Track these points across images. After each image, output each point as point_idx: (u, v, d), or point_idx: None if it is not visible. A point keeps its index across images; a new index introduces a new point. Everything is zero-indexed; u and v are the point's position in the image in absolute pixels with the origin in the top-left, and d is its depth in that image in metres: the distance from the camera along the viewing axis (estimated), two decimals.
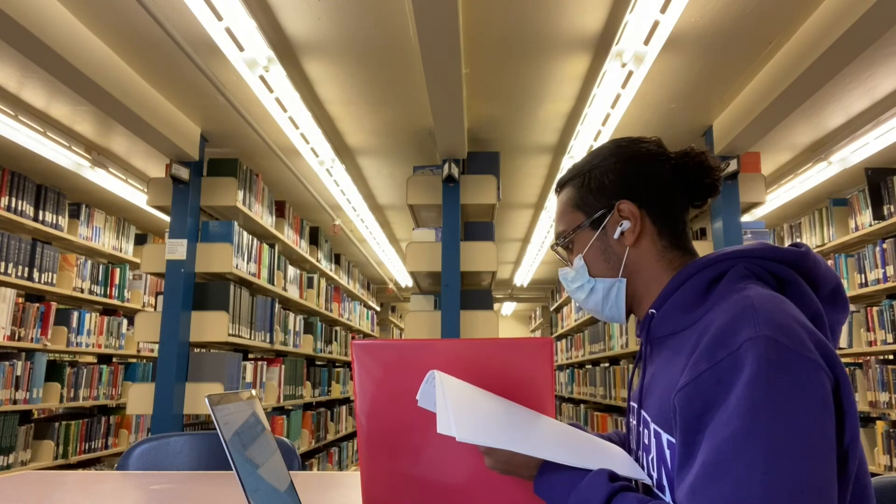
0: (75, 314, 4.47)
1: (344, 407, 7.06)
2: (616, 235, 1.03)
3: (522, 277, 9.00)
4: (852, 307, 4.25)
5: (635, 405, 1.03)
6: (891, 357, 4.06)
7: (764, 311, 0.81)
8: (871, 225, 4.11)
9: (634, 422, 1.02)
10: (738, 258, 0.93)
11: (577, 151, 4.21)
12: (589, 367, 7.04)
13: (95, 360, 4.92)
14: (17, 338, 3.89)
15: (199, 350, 4.10)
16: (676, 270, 1.00)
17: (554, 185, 1.15)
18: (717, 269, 0.93)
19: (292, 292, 5.17)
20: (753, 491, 0.71)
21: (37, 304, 4.09)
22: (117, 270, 5.04)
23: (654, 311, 0.99)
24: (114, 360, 5.07)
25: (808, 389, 0.75)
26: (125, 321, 5.12)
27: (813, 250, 0.94)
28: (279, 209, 4.93)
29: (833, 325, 0.92)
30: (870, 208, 4.12)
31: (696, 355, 0.83)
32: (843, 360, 4.62)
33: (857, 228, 4.29)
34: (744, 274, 0.91)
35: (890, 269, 3.89)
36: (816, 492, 0.71)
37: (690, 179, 1.04)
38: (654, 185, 1.04)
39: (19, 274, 3.96)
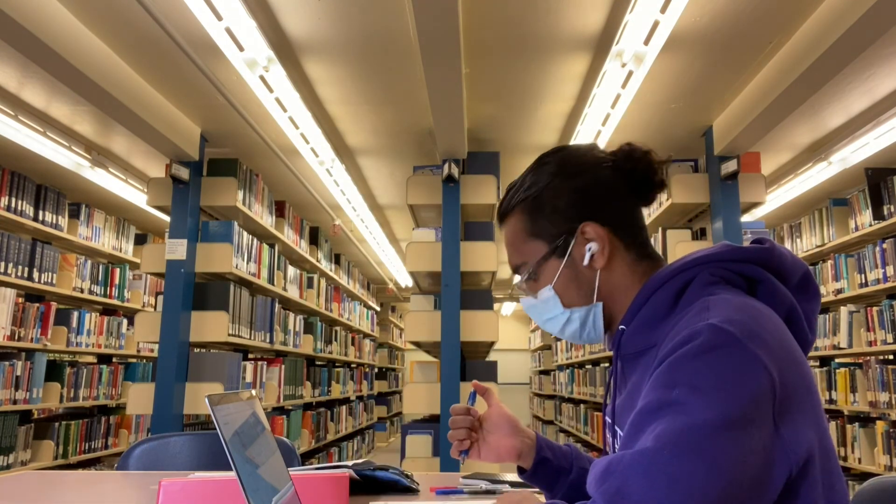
0: (75, 314, 4.47)
1: (344, 407, 7.06)
2: (586, 261, 0.96)
3: None
4: (852, 307, 4.25)
5: (609, 420, 1.01)
6: (891, 357, 4.06)
7: (717, 308, 0.80)
8: (871, 225, 4.10)
9: (611, 438, 1.01)
10: (702, 264, 0.90)
11: None
12: (589, 367, 7.04)
13: (95, 360, 4.92)
14: (17, 338, 3.88)
15: (199, 350, 4.10)
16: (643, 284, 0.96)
17: (496, 214, 1.06)
18: (683, 279, 0.90)
19: (292, 292, 5.17)
20: (635, 470, 0.71)
21: (37, 304, 4.09)
22: (117, 270, 5.03)
23: (623, 327, 0.96)
24: (114, 360, 5.07)
25: (738, 380, 0.73)
26: (125, 321, 5.12)
27: (777, 243, 0.91)
28: (279, 209, 4.93)
29: (808, 316, 0.90)
30: (870, 208, 4.12)
31: (652, 380, 0.81)
32: (843, 360, 4.62)
33: (857, 228, 4.29)
34: (709, 281, 0.88)
35: (890, 269, 3.89)
36: (688, 479, 0.69)
37: (638, 179, 0.99)
38: (608, 197, 0.98)
39: (19, 274, 3.96)
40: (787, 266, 0.90)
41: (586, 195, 0.98)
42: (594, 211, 0.97)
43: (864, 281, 4.14)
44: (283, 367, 4.82)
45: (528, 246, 1.00)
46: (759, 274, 0.88)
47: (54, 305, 4.27)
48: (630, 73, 3.10)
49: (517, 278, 1.05)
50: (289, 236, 5.06)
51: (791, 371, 0.77)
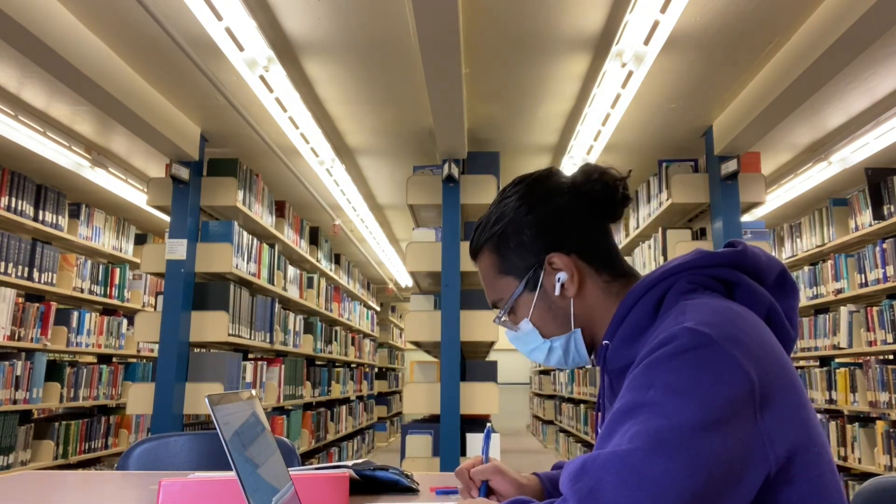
0: (75, 314, 4.47)
1: (344, 407, 7.06)
2: (557, 291, 0.98)
3: None
4: (852, 307, 4.25)
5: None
6: (891, 357, 4.06)
7: (693, 311, 0.81)
8: (871, 225, 4.10)
9: None
10: (677, 273, 0.91)
11: (576, 151, 4.21)
12: (589, 367, 7.04)
13: (95, 360, 4.92)
14: (17, 338, 3.88)
15: (199, 350, 4.10)
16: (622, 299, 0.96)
17: (469, 252, 1.08)
18: (660, 290, 0.91)
19: (292, 292, 5.17)
20: (608, 470, 0.71)
21: (37, 304, 4.09)
22: (117, 270, 5.03)
23: (607, 342, 0.96)
24: (114, 360, 5.07)
25: (714, 382, 0.73)
26: (125, 321, 5.12)
27: (749, 244, 0.91)
28: (279, 209, 4.93)
29: (788, 313, 0.90)
30: (870, 208, 4.11)
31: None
32: (843, 359, 4.62)
33: (857, 228, 4.29)
34: (686, 288, 0.89)
35: (890, 269, 3.89)
36: (661, 480, 0.69)
37: (598, 200, 0.99)
38: (571, 223, 0.99)
39: (19, 274, 3.96)
40: (763, 266, 0.90)
41: (549, 226, 0.99)
42: (558, 240, 0.98)
43: (864, 281, 4.14)
44: (283, 367, 4.82)
45: (500, 282, 1.02)
46: (735, 277, 0.89)
47: (54, 305, 4.27)
48: (630, 73, 3.10)
49: (498, 313, 1.06)
50: (289, 236, 5.06)
51: (771, 371, 0.77)
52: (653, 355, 0.78)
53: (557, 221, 0.99)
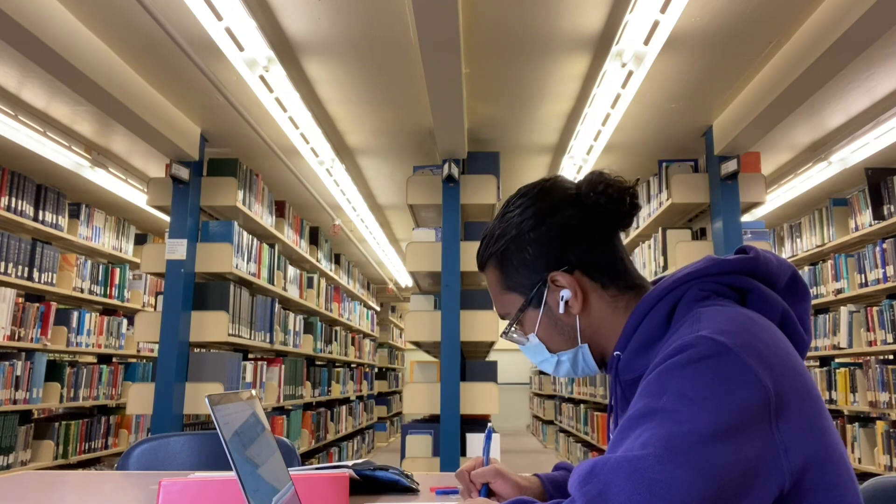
0: (75, 314, 4.47)
1: (344, 407, 7.06)
2: (561, 309, 0.97)
3: None
4: (852, 307, 4.25)
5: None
6: (891, 357, 4.06)
7: (708, 319, 0.80)
8: (871, 225, 4.10)
9: None
10: (689, 281, 0.90)
11: (576, 151, 4.21)
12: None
13: (95, 360, 4.92)
14: (17, 338, 3.88)
15: (199, 350, 4.10)
16: (632, 311, 0.95)
17: (477, 263, 1.08)
18: (673, 298, 0.90)
19: (292, 292, 5.17)
20: (618, 474, 0.71)
21: (37, 304, 4.09)
22: (117, 270, 5.03)
23: (619, 353, 0.95)
24: (114, 360, 5.07)
25: (728, 390, 0.73)
26: (125, 321, 5.12)
27: (761, 249, 0.90)
28: (279, 209, 4.93)
29: (801, 317, 0.89)
30: (870, 208, 4.12)
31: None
32: (843, 359, 4.62)
33: (857, 228, 4.29)
34: (699, 296, 0.88)
35: (890, 269, 3.89)
36: (670, 486, 0.69)
37: (604, 212, 0.97)
38: (575, 239, 0.97)
39: (19, 274, 3.96)
40: (774, 271, 0.90)
41: (552, 243, 0.97)
42: (561, 258, 0.96)
43: (864, 281, 4.14)
44: (283, 367, 4.82)
45: (505, 297, 1.02)
46: (748, 284, 0.88)
47: (54, 305, 4.27)
48: (630, 73, 3.10)
49: (506, 325, 1.05)
50: (289, 236, 5.06)
51: (787, 380, 0.76)
52: (667, 362, 0.77)
53: (560, 238, 0.97)
